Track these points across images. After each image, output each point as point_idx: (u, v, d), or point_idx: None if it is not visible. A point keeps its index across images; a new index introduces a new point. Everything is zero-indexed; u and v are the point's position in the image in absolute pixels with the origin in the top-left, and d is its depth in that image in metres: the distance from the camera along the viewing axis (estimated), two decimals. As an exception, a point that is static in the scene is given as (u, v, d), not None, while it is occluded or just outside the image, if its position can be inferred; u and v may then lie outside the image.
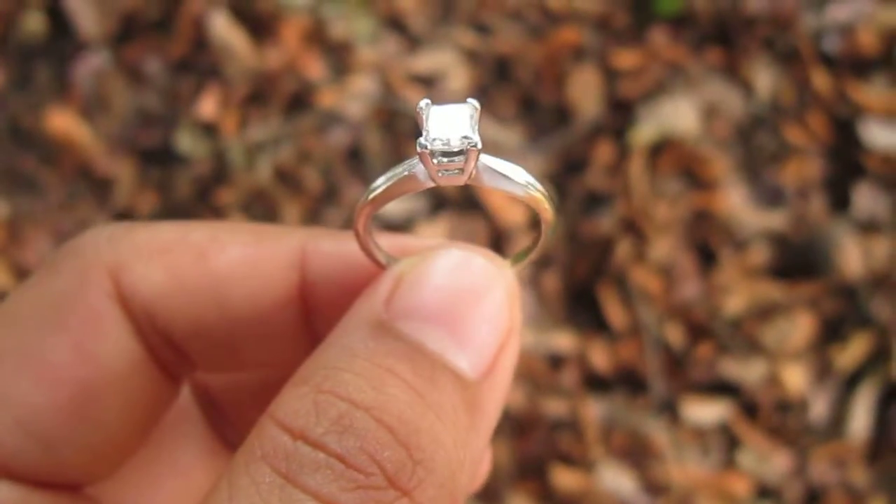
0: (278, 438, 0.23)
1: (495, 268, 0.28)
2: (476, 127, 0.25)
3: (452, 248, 0.28)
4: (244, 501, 0.23)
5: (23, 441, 0.29)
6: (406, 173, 0.26)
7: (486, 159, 0.26)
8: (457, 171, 0.25)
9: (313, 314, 0.31)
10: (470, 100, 0.25)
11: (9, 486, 0.29)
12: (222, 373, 0.36)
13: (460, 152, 0.25)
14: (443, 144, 0.25)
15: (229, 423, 0.37)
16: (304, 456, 0.23)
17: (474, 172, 0.25)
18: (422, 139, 0.25)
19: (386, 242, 0.29)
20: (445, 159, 0.25)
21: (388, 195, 0.26)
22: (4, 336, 0.29)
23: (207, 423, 0.37)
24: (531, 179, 0.26)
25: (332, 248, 0.31)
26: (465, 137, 0.25)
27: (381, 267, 0.29)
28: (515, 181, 0.26)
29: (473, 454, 0.26)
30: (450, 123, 0.25)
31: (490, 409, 0.27)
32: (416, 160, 0.25)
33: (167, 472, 0.35)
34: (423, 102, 0.25)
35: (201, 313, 0.30)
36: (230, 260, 0.30)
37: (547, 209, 0.27)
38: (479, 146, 0.25)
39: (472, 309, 0.26)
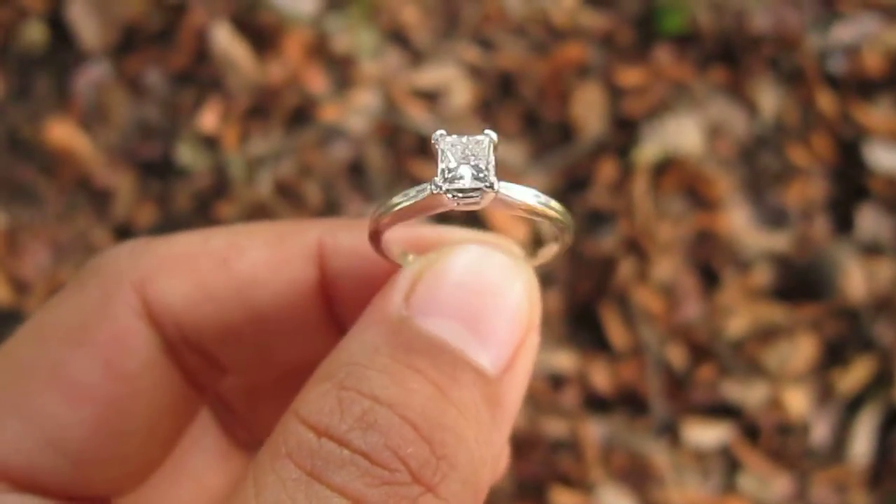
0: (303, 436, 0.24)
1: (514, 263, 0.28)
2: (492, 163, 0.25)
3: (471, 243, 0.28)
4: (270, 498, 0.23)
5: (53, 458, 0.29)
6: (427, 193, 0.25)
7: (503, 186, 0.25)
8: (473, 203, 0.25)
9: (336, 306, 0.32)
10: (487, 131, 0.25)
11: (40, 502, 0.30)
12: (252, 375, 0.36)
13: (476, 190, 0.25)
14: (457, 184, 0.24)
15: (240, 423, 0.38)
16: (329, 453, 0.23)
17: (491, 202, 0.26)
18: (437, 179, 0.24)
19: (401, 234, 0.29)
20: (461, 195, 0.25)
21: (409, 211, 0.26)
22: (33, 354, 0.30)
23: (218, 425, 0.37)
24: (546, 199, 0.26)
25: (349, 240, 0.31)
26: (480, 179, 0.24)
27: (398, 266, 0.29)
28: (531, 205, 0.26)
29: (494, 449, 0.27)
30: (465, 158, 0.25)
31: (510, 405, 0.27)
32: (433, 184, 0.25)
33: (182, 477, 0.35)
34: (438, 133, 0.25)
35: (229, 319, 0.31)
36: (251, 263, 0.30)
37: (563, 225, 0.27)
38: (496, 187, 0.24)
39: (491, 305, 0.26)
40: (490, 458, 0.26)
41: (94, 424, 0.29)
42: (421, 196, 0.25)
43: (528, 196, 0.26)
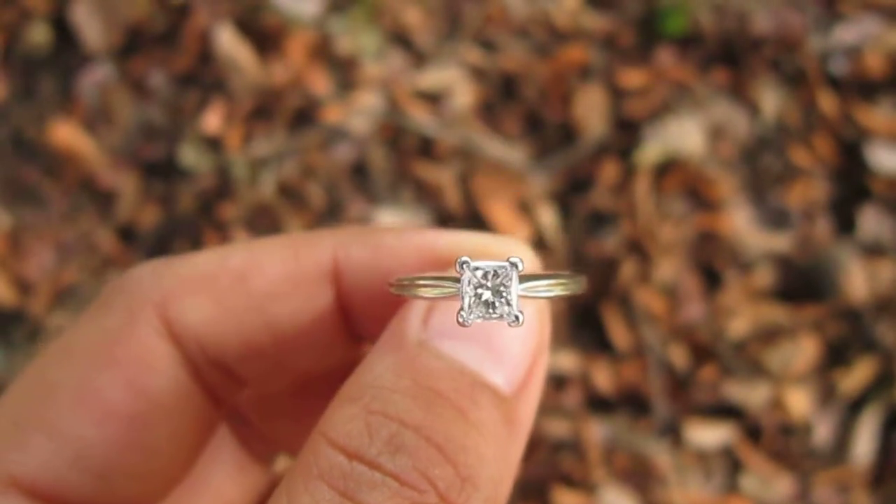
0: (334, 458, 0.25)
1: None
2: (516, 292, 0.25)
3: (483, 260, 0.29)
4: None
5: (79, 474, 0.30)
6: (453, 293, 0.26)
7: (523, 288, 0.26)
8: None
9: (352, 318, 0.33)
10: (513, 259, 0.25)
11: None
12: (269, 387, 0.37)
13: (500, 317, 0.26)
14: (482, 315, 0.25)
15: (257, 437, 0.38)
16: (360, 475, 0.24)
17: None
18: (464, 313, 0.25)
19: (416, 240, 0.30)
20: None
21: (430, 300, 0.27)
22: (60, 374, 0.31)
23: (236, 439, 0.38)
24: (562, 287, 0.27)
25: (362, 254, 0.32)
26: (505, 313, 0.25)
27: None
28: (552, 299, 0.27)
29: (511, 465, 0.28)
30: (490, 289, 0.25)
31: (524, 422, 0.29)
32: (458, 283, 0.26)
33: (202, 491, 0.36)
34: (462, 260, 0.25)
35: (248, 335, 0.32)
36: (269, 281, 0.31)
37: (574, 293, 0.28)
38: (521, 320, 0.25)
39: (504, 326, 0.28)
40: (508, 474, 0.27)
41: (119, 441, 0.30)
42: (446, 298, 0.26)
43: (548, 293, 0.27)
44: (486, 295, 0.25)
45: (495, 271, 0.25)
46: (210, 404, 0.34)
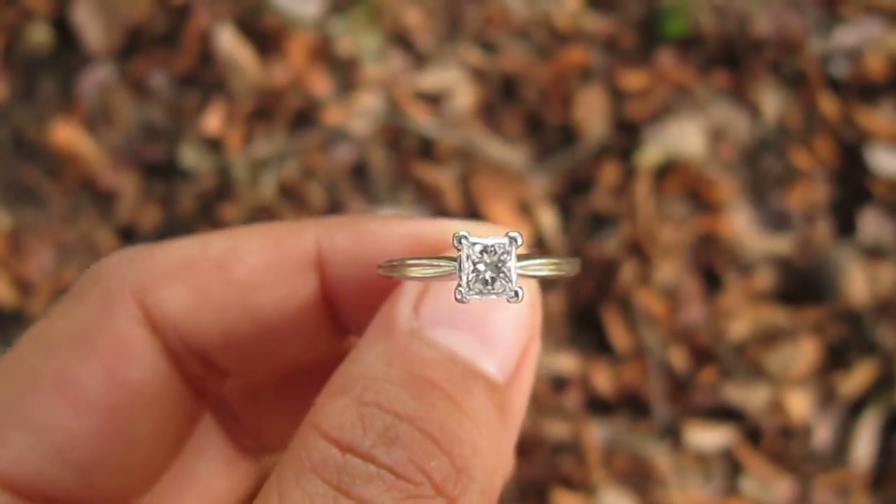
0: (326, 451, 0.24)
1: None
2: (515, 267, 0.25)
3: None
4: None
5: (59, 468, 0.29)
6: (447, 272, 0.26)
7: (520, 268, 0.26)
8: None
9: (337, 308, 0.32)
10: (512, 233, 0.25)
11: None
12: (254, 378, 0.37)
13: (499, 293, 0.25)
14: (481, 292, 0.25)
15: (244, 430, 0.38)
16: (354, 468, 0.24)
17: None
18: (463, 289, 0.25)
19: (402, 228, 0.30)
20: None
21: (422, 281, 0.27)
22: (37, 365, 0.30)
23: (223, 432, 0.37)
24: (556, 266, 0.26)
25: (347, 242, 0.31)
26: (506, 289, 0.25)
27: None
28: (546, 277, 0.27)
29: (505, 455, 0.27)
30: (489, 265, 0.25)
31: (517, 411, 0.28)
32: (454, 264, 0.26)
33: (188, 484, 0.35)
34: (460, 235, 0.25)
35: (229, 325, 0.31)
36: (250, 269, 0.31)
37: (572, 274, 0.27)
38: (521, 296, 0.25)
39: (497, 313, 0.27)
40: (502, 463, 0.27)
41: (100, 433, 0.30)
42: (440, 278, 0.26)
43: (542, 272, 0.26)
44: (485, 270, 0.25)
45: (494, 247, 0.25)
46: (192, 395, 0.33)
